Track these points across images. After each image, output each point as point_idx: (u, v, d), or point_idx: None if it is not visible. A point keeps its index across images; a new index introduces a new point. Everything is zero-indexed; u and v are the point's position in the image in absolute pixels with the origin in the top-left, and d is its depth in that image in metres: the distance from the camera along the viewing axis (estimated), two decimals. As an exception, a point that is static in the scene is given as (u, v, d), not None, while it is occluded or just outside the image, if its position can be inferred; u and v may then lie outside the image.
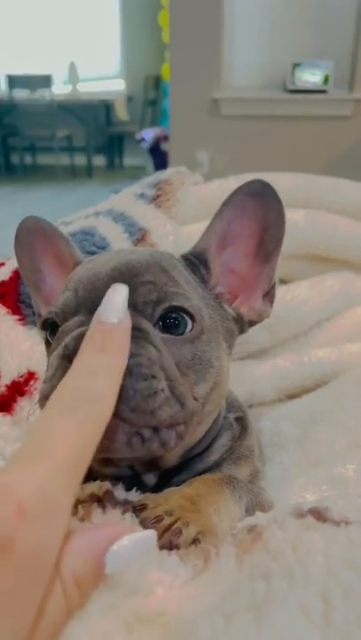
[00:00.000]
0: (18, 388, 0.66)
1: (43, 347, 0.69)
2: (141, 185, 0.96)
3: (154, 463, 0.48)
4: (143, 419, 0.41)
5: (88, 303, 0.44)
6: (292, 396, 0.83)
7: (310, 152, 3.49)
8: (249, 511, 0.49)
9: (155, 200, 0.90)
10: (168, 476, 0.51)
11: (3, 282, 0.73)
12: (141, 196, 0.91)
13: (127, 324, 0.38)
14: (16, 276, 0.73)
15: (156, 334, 0.44)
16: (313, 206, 1.01)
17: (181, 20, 3.41)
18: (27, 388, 0.66)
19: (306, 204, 1.01)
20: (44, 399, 0.42)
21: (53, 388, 0.37)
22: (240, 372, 0.85)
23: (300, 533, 0.37)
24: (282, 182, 1.05)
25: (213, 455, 0.53)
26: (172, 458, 0.49)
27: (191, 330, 0.46)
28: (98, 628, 0.29)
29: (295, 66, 3.45)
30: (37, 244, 0.56)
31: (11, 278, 0.73)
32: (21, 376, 0.66)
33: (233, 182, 1.00)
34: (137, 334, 0.42)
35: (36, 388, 0.67)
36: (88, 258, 0.53)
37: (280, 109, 3.52)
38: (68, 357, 0.40)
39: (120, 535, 0.32)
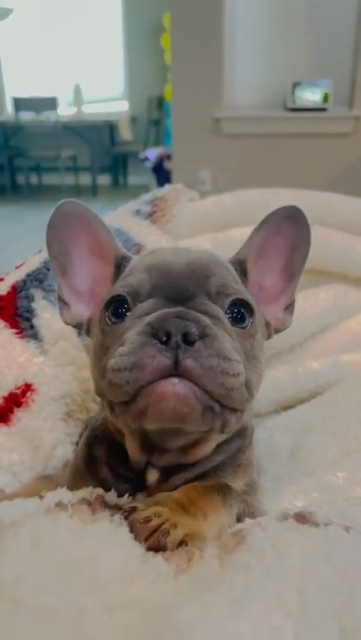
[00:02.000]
0: (15, 400, 0.67)
1: (40, 359, 0.71)
2: (138, 202, 0.98)
3: (187, 451, 0.51)
4: (223, 396, 0.44)
5: (164, 288, 0.48)
6: (287, 407, 0.84)
7: (312, 169, 3.53)
8: (240, 520, 0.50)
9: (150, 216, 0.92)
10: (169, 474, 0.52)
11: (1, 296, 0.75)
12: (137, 212, 0.93)
13: None
14: (14, 290, 0.75)
15: (228, 322, 0.48)
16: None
17: (183, 42, 3.48)
18: (23, 400, 0.67)
19: (300, 219, 1.02)
20: (122, 370, 0.43)
21: (138, 360, 0.42)
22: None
23: (280, 534, 0.38)
24: (276, 197, 1.07)
25: (220, 456, 0.55)
26: (207, 448, 0.52)
27: (251, 325, 0.50)
28: (75, 605, 0.30)
29: (295, 85, 3.50)
30: (72, 227, 0.56)
31: (9, 293, 0.75)
32: (18, 388, 0.68)
33: (228, 198, 1.03)
34: (216, 322, 0.46)
35: (33, 399, 0.68)
36: (145, 251, 0.57)
37: (281, 127, 3.56)
38: (154, 335, 0.43)
39: None
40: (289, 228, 0.56)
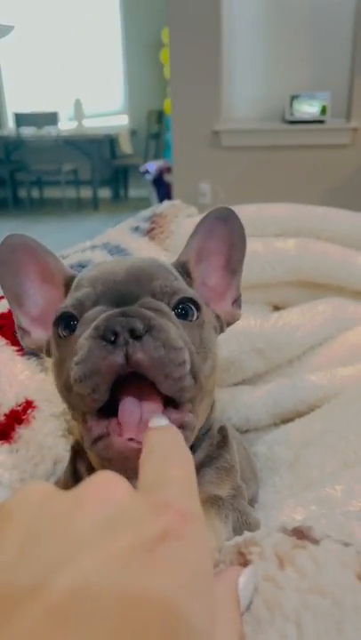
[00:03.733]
0: (16, 417, 0.68)
1: (40, 376, 0.72)
2: (137, 218, 1.00)
3: None
4: (171, 387, 0.45)
5: (108, 295, 0.49)
6: (286, 421, 0.85)
7: (310, 180, 3.55)
8: (236, 530, 0.50)
9: (149, 233, 0.94)
10: None
11: (2, 314, 0.76)
12: (136, 229, 0.94)
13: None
14: (15, 308, 0.76)
15: (173, 316, 0.49)
16: (303, 234, 1.04)
17: (182, 56, 3.52)
18: (25, 417, 0.68)
19: (297, 233, 1.04)
20: (84, 379, 0.44)
21: (92, 366, 0.43)
22: (235, 397, 0.87)
23: (275, 572, 0.38)
24: (273, 212, 1.08)
25: (195, 456, 0.55)
26: None
27: (197, 317, 0.51)
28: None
29: (293, 98, 3.54)
30: (21, 260, 0.57)
31: (9, 310, 0.76)
32: (19, 405, 0.69)
33: (225, 214, 1.04)
34: (161, 314, 0.47)
35: (34, 416, 0.69)
36: (90, 265, 0.57)
37: (279, 140, 3.59)
38: (102, 337, 0.44)
39: (237, 573, 0.33)
40: (222, 228, 0.59)
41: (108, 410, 0.46)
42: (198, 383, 0.48)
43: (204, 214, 0.60)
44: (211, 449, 0.58)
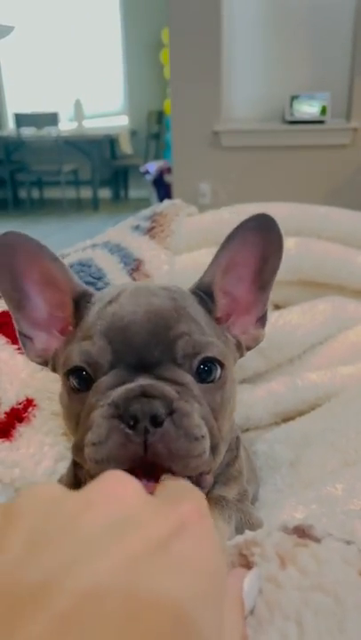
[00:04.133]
0: (17, 415, 0.68)
1: (41, 374, 0.72)
2: (137, 217, 1.00)
3: None
4: (188, 472, 0.43)
5: (127, 357, 0.45)
6: (286, 419, 0.85)
7: (310, 180, 3.55)
8: (239, 530, 0.50)
9: (150, 231, 0.94)
10: None
11: (3, 312, 0.76)
12: (137, 228, 0.94)
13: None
14: (15, 307, 0.76)
15: (195, 386, 0.46)
16: (304, 234, 1.04)
17: (182, 57, 3.52)
18: (25, 415, 0.68)
19: (297, 232, 1.04)
20: (100, 463, 0.42)
21: (109, 452, 0.41)
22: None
23: (276, 572, 0.38)
24: (273, 212, 1.08)
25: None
26: (211, 477, 0.51)
27: (220, 377, 0.48)
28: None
29: (293, 98, 3.54)
30: (19, 261, 0.52)
31: (10, 309, 0.76)
32: (20, 403, 0.69)
33: (226, 213, 1.04)
34: (183, 390, 0.44)
35: (35, 415, 0.69)
36: (101, 294, 0.53)
37: (279, 140, 3.59)
38: (120, 417, 0.41)
39: (241, 576, 0.32)
40: (258, 238, 0.53)
41: None
42: (217, 454, 0.47)
43: (239, 222, 0.53)
44: (224, 467, 0.57)
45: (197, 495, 0.29)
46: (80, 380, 0.47)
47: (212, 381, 0.47)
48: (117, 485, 0.26)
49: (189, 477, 0.44)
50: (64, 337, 0.55)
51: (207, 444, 0.44)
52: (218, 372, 0.48)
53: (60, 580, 0.20)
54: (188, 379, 0.46)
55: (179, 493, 0.29)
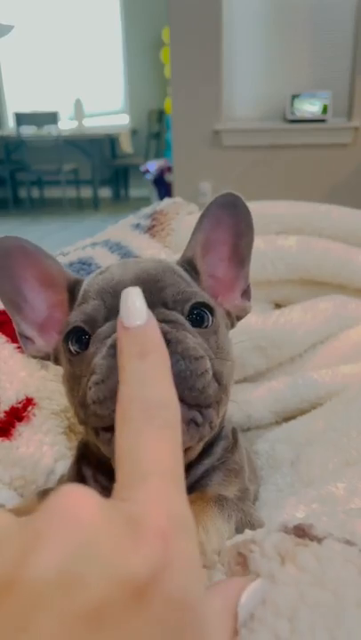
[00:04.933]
0: (16, 414, 0.68)
1: (41, 373, 0.72)
2: (138, 216, 0.99)
3: None
4: (196, 397, 0.44)
5: (118, 309, 0.47)
6: (287, 418, 0.84)
7: (311, 179, 3.55)
8: (239, 530, 0.50)
9: (150, 230, 0.93)
10: None
11: (2, 311, 0.76)
12: (137, 226, 0.94)
13: (154, 322, 0.33)
14: (15, 305, 0.75)
15: (189, 326, 0.48)
16: (305, 232, 1.03)
17: (182, 56, 3.52)
18: (25, 414, 0.68)
19: (298, 231, 1.03)
20: (103, 401, 0.43)
21: (112, 387, 0.41)
22: (236, 395, 0.86)
23: (275, 566, 0.37)
24: (274, 210, 1.08)
25: (210, 459, 0.55)
26: (195, 451, 0.53)
27: (212, 323, 0.50)
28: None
29: (294, 97, 3.53)
30: (17, 263, 0.53)
31: (10, 308, 0.76)
32: (20, 402, 0.68)
33: (226, 211, 1.03)
34: (176, 326, 0.46)
35: (35, 413, 0.69)
36: (97, 270, 0.55)
37: (280, 139, 3.59)
38: None
39: (241, 587, 0.31)
40: (229, 216, 0.56)
41: None
42: (222, 386, 0.48)
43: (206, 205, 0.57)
44: (224, 452, 0.57)
45: (164, 467, 0.26)
46: (79, 340, 0.49)
47: (205, 327, 0.50)
48: (73, 506, 0.22)
49: (196, 410, 0.45)
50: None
51: (208, 364, 0.45)
52: (210, 319, 0.50)
53: None
54: (180, 317, 0.48)
55: (143, 475, 0.25)
